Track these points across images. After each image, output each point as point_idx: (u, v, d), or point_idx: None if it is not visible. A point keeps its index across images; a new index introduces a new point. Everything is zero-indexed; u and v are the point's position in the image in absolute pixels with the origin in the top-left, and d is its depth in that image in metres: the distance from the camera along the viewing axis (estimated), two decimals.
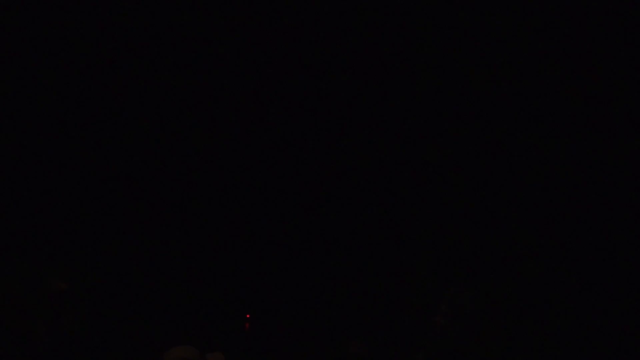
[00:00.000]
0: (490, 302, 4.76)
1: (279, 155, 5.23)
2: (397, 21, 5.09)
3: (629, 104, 4.93)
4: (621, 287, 4.80)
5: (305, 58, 5.17)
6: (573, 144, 4.97)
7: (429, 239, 5.09)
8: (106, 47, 5.00)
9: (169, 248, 5.04)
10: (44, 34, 4.92)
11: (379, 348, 4.98)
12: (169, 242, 5.06)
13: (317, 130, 5.21)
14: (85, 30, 4.96)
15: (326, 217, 5.21)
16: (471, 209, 5.05)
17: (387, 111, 5.14)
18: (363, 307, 5.11)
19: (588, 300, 4.84)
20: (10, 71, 4.87)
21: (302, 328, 5.14)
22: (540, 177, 5.01)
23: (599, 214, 4.90)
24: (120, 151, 5.03)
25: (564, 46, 5.01)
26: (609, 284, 4.83)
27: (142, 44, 5.06)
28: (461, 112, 5.07)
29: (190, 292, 4.99)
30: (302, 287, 5.20)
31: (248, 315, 5.17)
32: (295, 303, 5.19)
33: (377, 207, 5.18)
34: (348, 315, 5.13)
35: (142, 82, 5.08)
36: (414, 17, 5.07)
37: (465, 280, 4.87)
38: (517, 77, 5.04)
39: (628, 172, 4.88)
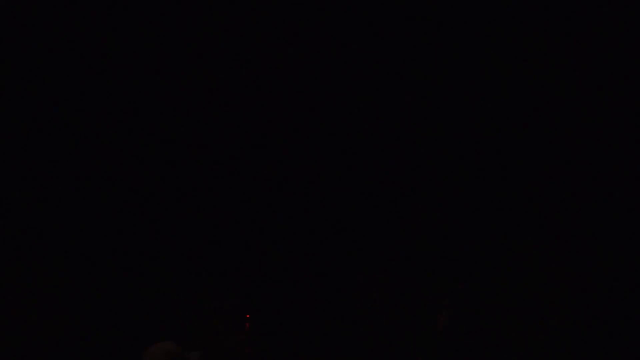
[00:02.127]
0: (493, 301, 4.75)
1: (278, 156, 5.24)
2: (396, 21, 5.09)
3: (629, 104, 4.92)
4: (621, 287, 4.79)
5: (304, 58, 5.18)
6: (572, 144, 4.96)
7: (430, 238, 5.09)
8: (106, 46, 5.03)
9: (167, 247, 5.06)
10: (44, 34, 4.95)
11: (381, 346, 4.98)
12: (167, 241, 5.07)
13: (316, 131, 5.21)
14: (84, 30, 4.99)
15: (326, 217, 5.21)
16: (471, 209, 5.05)
17: (385, 112, 5.15)
18: (363, 307, 5.11)
19: (589, 300, 4.83)
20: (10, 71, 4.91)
21: (302, 328, 5.14)
22: (538, 177, 5.00)
23: (598, 214, 4.89)
24: (116, 150, 5.05)
25: (564, 46, 5.01)
26: (608, 284, 4.82)
27: (142, 44, 5.09)
28: (459, 112, 5.07)
29: (189, 292, 4.99)
30: (302, 288, 5.19)
31: (248, 316, 5.16)
32: (295, 303, 5.19)
33: (377, 207, 5.17)
34: (348, 316, 5.12)
35: (141, 83, 5.10)
36: (414, 17, 5.08)
37: (468, 279, 4.87)
38: (516, 77, 5.04)
39: (628, 172, 4.87)
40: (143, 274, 4.96)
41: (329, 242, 5.21)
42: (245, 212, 5.20)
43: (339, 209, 5.22)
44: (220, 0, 5.09)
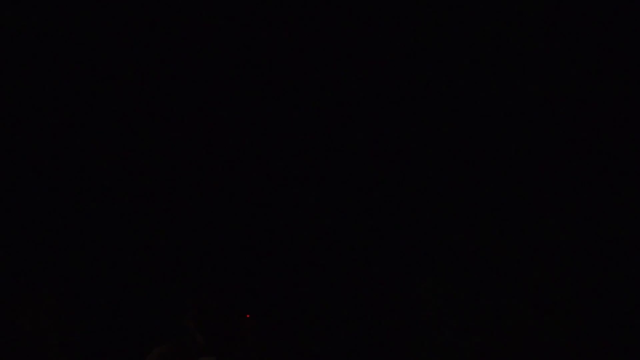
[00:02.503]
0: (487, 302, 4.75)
1: (278, 156, 5.24)
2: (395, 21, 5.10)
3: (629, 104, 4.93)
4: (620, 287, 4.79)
5: (304, 58, 5.18)
6: (569, 143, 4.97)
7: (425, 239, 5.09)
8: (106, 47, 5.03)
9: (167, 247, 5.06)
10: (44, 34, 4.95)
11: (377, 346, 4.98)
12: (167, 241, 5.07)
13: (313, 131, 5.21)
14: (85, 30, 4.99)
15: (325, 218, 5.21)
16: (465, 208, 5.05)
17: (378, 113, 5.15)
18: (362, 307, 5.11)
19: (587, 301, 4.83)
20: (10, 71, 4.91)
21: (302, 328, 5.14)
22: (536, 176, 5.00)
23: (597, 213, 4.89)
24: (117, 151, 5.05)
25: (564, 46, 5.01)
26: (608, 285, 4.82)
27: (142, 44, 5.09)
28: (454, 113, 5.08)
29: (189, 291, 4.99)
30: (302, 288, 5.19)
31: (248, 316, 5.15)
32: (295, 303, 5.19)
33: (375, 207, 5.18)
34: (347, 315, 5.12)
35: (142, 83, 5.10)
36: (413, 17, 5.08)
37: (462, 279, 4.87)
38: (515, 77, 5.04)
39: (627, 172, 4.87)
40: (146, 275, 4.97)
41: (329, 241, 5.21)
42: (246, 213, 5.21)
43: (339, 208, 5.23)
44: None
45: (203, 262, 5.08)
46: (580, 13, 4.96)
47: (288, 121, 5.22)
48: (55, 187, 4.97)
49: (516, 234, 4.97)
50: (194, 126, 5.16)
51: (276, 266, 5.16)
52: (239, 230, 5.16)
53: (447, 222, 5.08)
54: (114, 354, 4.75)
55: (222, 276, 5.10)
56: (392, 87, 5.18)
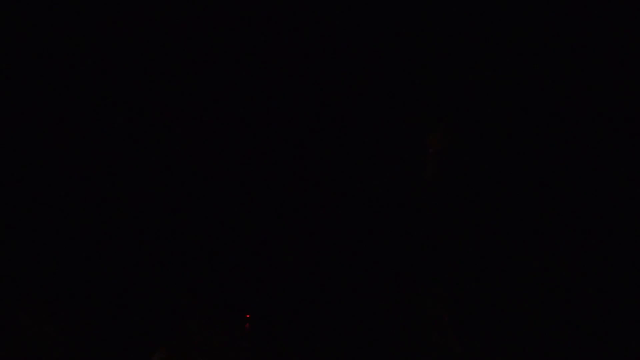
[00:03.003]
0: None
1: (279, 156, 5.24)
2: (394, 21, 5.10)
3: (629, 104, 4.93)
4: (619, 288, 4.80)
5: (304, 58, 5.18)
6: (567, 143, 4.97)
7: (424, 240, 5.10)
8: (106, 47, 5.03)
9: (167, 246, 5.06)
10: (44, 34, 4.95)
11: (377, 347, 4.99)
12: (167, 240, 5.08)
13: (312, 131, 5.22)
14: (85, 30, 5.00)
15: (325, 217, 5.22)
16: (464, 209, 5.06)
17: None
18: (361, 307, 5.11)
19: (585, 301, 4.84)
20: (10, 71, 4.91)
21: (302, 328, 5.14)
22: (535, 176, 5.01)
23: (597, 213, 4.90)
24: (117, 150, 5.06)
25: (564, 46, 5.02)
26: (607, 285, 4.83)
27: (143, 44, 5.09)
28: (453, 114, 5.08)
29: (189, 292, 5.00)
30: (302, 287, 5.20)
31: (248, 316, 5.17)
32: (295, 303, 5.19)
33: (376, 207, 5.18)
34: (347, 314, 5.13)
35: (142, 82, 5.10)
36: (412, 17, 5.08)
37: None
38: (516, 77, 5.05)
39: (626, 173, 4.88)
40: (147, 275, 4.98)
41: (329, 242, 5.22)
42: (245, 213, 5.21)
43: (339, 208, 5.23)
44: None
45: (203, 263, 5.09)
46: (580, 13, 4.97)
47: (287, 121, 5.23)
48: (54, 186, 4.98)
49: (518, 234, 4.98)
50: (193, 127, 5.16)
51: (276, 266, 5.17)
52: (239, 230, 5.17)
53: (447, 222, 5.09)
54: (116, 354, 4.76)
55: (222, 277, 5.11)
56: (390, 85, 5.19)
